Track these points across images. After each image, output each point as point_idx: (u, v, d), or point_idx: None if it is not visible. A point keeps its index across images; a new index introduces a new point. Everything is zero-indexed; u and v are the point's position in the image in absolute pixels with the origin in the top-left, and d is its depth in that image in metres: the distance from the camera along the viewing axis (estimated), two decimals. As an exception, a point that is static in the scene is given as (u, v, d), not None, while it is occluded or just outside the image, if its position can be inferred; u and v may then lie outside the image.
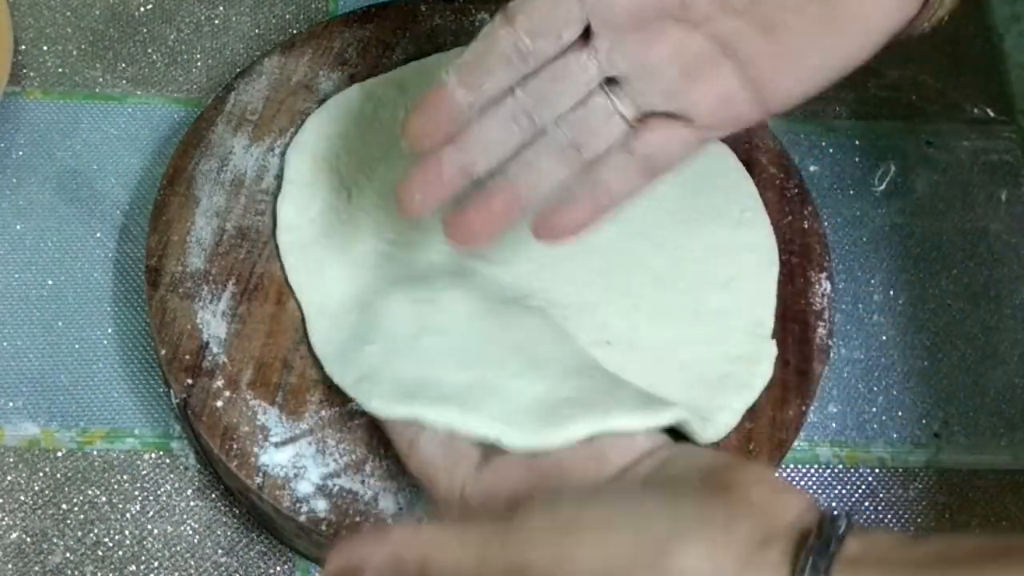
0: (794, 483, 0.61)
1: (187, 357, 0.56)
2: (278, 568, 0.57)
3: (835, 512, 0.41)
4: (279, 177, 0.61)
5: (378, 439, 0.54)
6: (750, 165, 0.64)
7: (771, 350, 0.58)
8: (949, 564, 0.39)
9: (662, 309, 0.58)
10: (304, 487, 0.53)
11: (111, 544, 0.57)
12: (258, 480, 0.53)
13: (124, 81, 0.69)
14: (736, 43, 0.48)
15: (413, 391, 0.51)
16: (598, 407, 0.50)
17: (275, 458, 0.54)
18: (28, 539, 0.57)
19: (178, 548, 0.57)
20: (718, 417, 0.55)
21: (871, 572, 0.39)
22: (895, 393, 0.63)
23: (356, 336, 0.55)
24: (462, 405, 0.50)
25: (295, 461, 0.54)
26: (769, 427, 0.57)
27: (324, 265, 0.58)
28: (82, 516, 0.57)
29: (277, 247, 0.59)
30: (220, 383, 0.55)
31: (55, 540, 0.57)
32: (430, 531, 0.45)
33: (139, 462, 0.59)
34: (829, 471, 0.61)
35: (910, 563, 0.39)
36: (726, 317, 0.58)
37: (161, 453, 0.59)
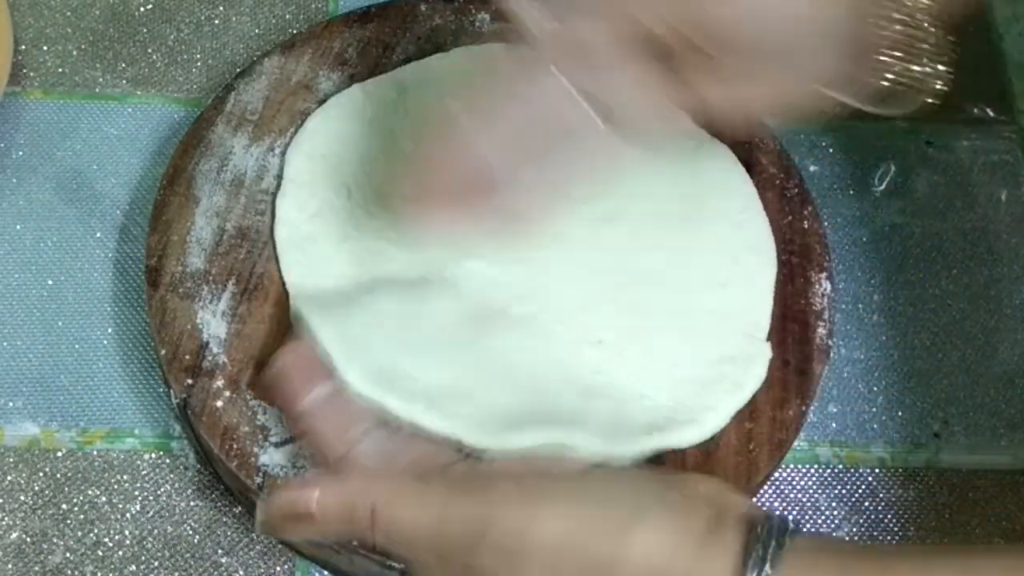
0: (794, 483, 0.61)
1: (187, 357, 0.56)
2: (278, 568, 0.57)
3: (780, 512, 0.44)
4: (279, 176, 0.61)
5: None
6: (750, 165, 0.64)
7: (765, 352, 0.58)
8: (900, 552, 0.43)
9: (657, 309, 0.58)
10: (304, 487, 0.53)
11: (111, 544, 0.57)
12: (258, 480, 0.53)
13: (124, 81, 0.69)
14: (693, 77, 0.51)
15: (390, 378, 0.52)
16: (563, 426, 0.52)
17: (275, 458, 0.54)
18: (28, 539, 0.57)
19: (178, 548, 0.57)
20: (707, 417, 0.55)
21: (820, 556, 0.43)
22: (895, 393, 0.63)
23: (346, 333, 0.55)
24: (430, 403, 0.52)
25: (295, 461, 0.54)
26: (769, 427, 0.57)
27: (319, 260, 0.58)
28: (82, 516, 0.57)
29: (274, 242, 0.59)
30: (220, 383, 0.55)
31: (55, 540, 0.57)
32: (389, 482, 0.45)
33: (139, 462, 0.59)
34: (829, 471, 0.61)
35: (859, 548, 0.43)
36: (722, 318, 0.58)
37: (161, 453, 0.59)
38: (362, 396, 0.52)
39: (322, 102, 0.64)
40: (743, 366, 0.57)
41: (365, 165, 0.61)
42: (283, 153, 0.62)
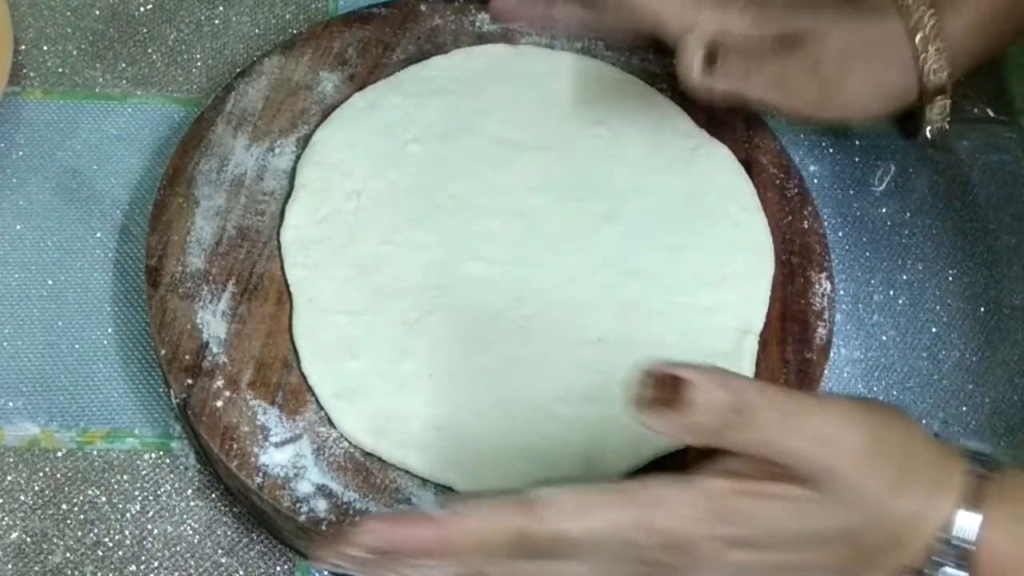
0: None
1: (187, 357, 0.56)
2: (278, 568, 0.57)
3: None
4: (288, 183, 0.61)
5: (378, 439, 0.55)
6: (750, 165, 0.64)
7: (752, 346, 0.58)
8: None
9: (655, 307, 0.59)
10: (304, 487, 0.53)
11: (111, 544, 0.57)
12: (258, 480, 0.53)
13: (124, 81, 0.69)
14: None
15: (382, 427, 0.54)
16: (547, 465, 0.54)
17: (275, 458, 0.54)
18: (28, 539, 0.57)
19: (178, 548, 0.57)
20: None
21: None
22: (895, 393, 0.63)
23: (342, 344, 0.56)
24: (422, 451, 0.54)
25: (295, 461, 0.54)
26: (769, 427, 0.57)
27: (323, 262, 0.59)
28: (82, 516, 0.57)
29: (279, 245, 0.59)
30: (220, 383, 0.55)
31: (55, 540, 0.57)
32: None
33: (139, 462, 0.59)
34: (829, 471, 0.61)
35: None
36: (717, 315, 0.59)
37: (161, 453, 0.59)
38: (358, 444, 0.54)
39: (322, 102, 0.64)
40: (734, 362, 0.57)
41: (375, 170, 0.62)
42: (294, 157, 0.62)
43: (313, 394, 0.55)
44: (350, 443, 0.55)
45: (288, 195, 0.61)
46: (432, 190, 0.61)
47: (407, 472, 0.54)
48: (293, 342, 0.57)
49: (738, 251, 0.61)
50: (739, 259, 0.61)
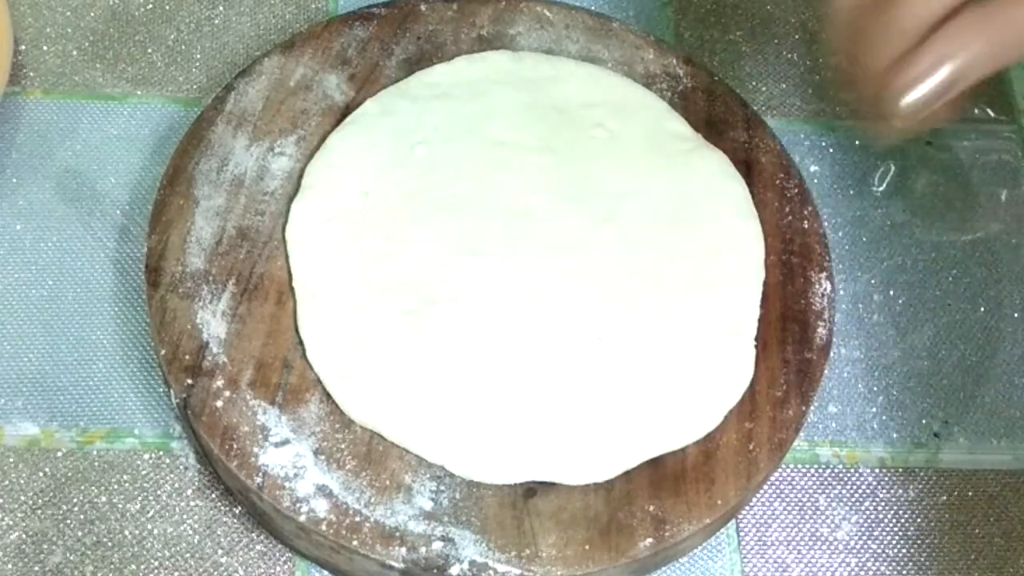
0: (794, 483, 0.61)
1: (187, 357, 0.56)
2: (278, 568, 0.57)
3: None
4: (289, 182, 0.61)
5: (378, 439, 0.55)
6: (750, 165, 0.64)
7: (750, 351, 0.58)
8: None
9: (652, 308, 0.59)
10: (304, 487, 0.53)
11: (111, 544, 0.57)
12: (258, 480, 0.53)
13: (124, 81, 0.69)
14: None
15: (385, 406, 0.55)
16: (542, 458, 0.55)
17: (275, 458, 0.54)
18: (28, 539, 0.57)
19: (178, 548, 0.57)
20: (704, 416, 0.56)
21: None
22: (895, 393, 0.63)
23: (346, 333, 0.57)
24: (422, 430, 0.55)
25: (295, 461, 0.54)
26: (769, 427, 0.57)
27: (328, 259, 0.59)
28: (82, 516, 0.57)
29: (285, 242, 0.59)
30: (220, 383, 0.55)
31: (55, 540, 0.57)
32: None
33: (139, 462, 0.59)
34: (829, 471, 0.61)
35: None
36: (711, 318, 0.59)
37: (161, 453, 0.59)
38: (361, 424, 0.55)
39: (322, 102, 0.64)
40: (731, 364, 0.58)
41: (384, 172, 0.62)
42: (294, 157, 0.62)
43: (315, 390, 0.56)
44: (350, 442, 0.55)
45: (293, 195, 0.61)
46: (436, 191, 0.62)
47: (406, 465, 0.54)
48: (298, 334, 0.57)
49: (732, 254, 0.61)
50: (732, 262, 0.61)
